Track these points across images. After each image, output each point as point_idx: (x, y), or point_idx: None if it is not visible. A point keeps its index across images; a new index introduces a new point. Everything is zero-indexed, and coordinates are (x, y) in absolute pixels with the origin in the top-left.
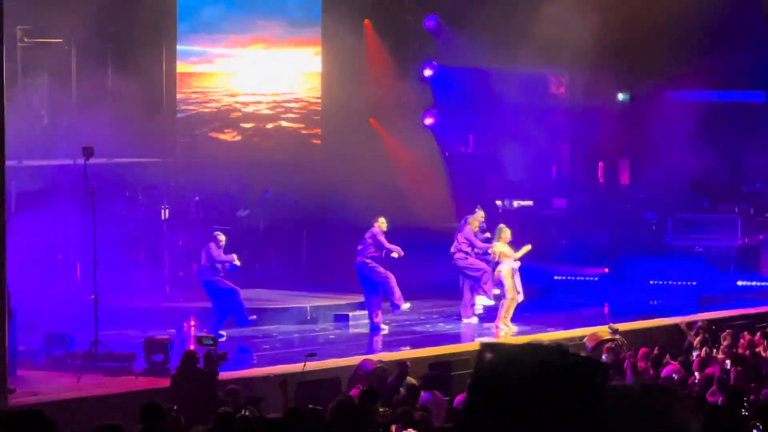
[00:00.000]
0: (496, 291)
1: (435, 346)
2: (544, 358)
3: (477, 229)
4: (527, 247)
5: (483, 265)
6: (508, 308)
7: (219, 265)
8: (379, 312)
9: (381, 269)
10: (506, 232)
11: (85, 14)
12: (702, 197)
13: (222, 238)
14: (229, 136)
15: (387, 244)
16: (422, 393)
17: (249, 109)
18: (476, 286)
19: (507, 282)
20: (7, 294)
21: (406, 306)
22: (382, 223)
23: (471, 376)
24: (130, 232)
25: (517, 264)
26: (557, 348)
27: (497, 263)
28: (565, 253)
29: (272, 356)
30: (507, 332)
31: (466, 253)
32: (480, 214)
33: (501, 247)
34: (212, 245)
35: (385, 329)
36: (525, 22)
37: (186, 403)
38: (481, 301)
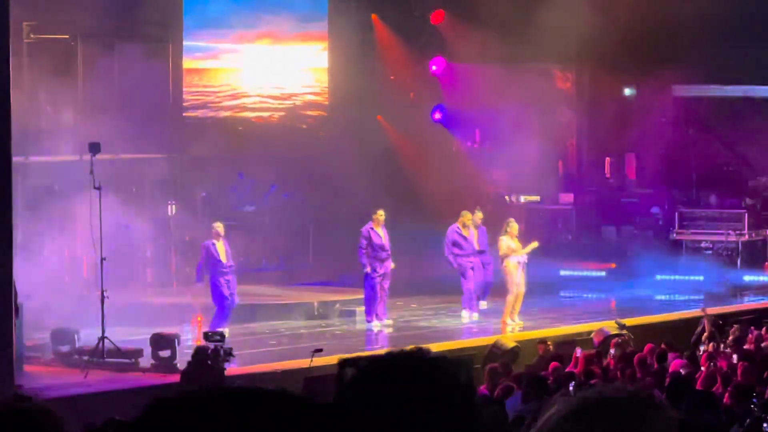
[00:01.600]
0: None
1: (442, 341)
2: (403, 364)
3: (462, 223)
4: (534, 244)
5: (470, 274)
6: (511, 303)
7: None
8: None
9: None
10: (513, 227)
11: (91, 10)
12: (709, 192)
13: (220, 229)
14: (235, 131)
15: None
16: None
17: (255, 104)
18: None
19: (511, 276)
20: (15, 290)
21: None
22: (379, 216)
23: (333, 394)
24: (137, 228)
25: (524, 258)
26: (417, 351)
27: (503, 258)
28: (572, 248)
29: (279, 352)
30: (514, 327)
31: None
32: (477, 215)
33: (507, 241)
34: (210, 245)
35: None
36: (531, 16)
37: None
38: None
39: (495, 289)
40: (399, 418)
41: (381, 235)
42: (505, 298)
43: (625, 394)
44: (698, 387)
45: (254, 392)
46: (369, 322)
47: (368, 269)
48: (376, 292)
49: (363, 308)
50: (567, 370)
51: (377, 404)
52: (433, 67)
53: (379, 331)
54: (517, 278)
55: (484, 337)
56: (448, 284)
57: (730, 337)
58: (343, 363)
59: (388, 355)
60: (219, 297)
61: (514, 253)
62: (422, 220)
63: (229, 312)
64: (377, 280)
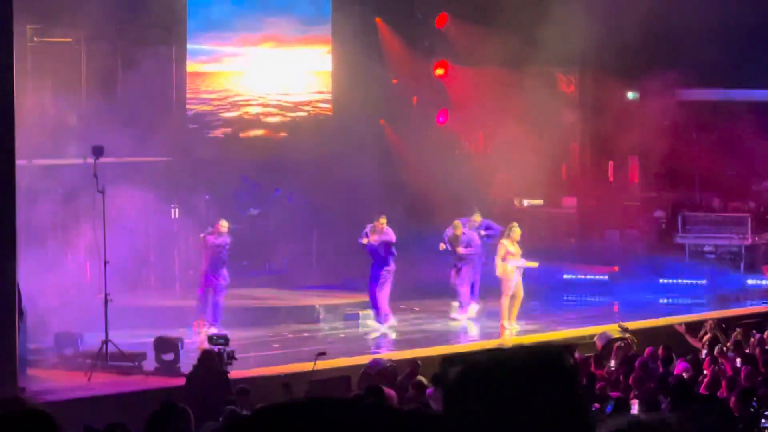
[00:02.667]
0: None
1: (445, 344)
2: (509, 359)
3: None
4: (533, 264)
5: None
6: (508, 307)
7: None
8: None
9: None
10: (516, 231)
11: (95, 13)
12: (712, 196)
13: (224, 227)
14: (238, 135)
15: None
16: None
17: (259, 107)
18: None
19: (508, 281)
20: (18, 293)
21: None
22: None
23: (442, 393)
24: (140, 231)
25: (522, 263)
26: (520, 348)
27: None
28: (575, 251)
29: (283, 355)
30: (511, 331)
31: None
32: (475, 217)
33: (508, 245)
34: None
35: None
36: (535, 20)
37: (200, 401)
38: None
39: (492, 291)
40: (511, 414)
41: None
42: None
43: (657, 423)
44: (702, 391)
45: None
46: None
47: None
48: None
49: (366, 311)
50: None
51: (487, 401)
52: (438, 71)
53: (383, 334)
54: (513, 283)
55: (487, 341)
56: (451, 287)
57: (732, 341)
58: (447, 362)
59: (492, 350)
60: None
61: (513, 258)
62: (425, 224)
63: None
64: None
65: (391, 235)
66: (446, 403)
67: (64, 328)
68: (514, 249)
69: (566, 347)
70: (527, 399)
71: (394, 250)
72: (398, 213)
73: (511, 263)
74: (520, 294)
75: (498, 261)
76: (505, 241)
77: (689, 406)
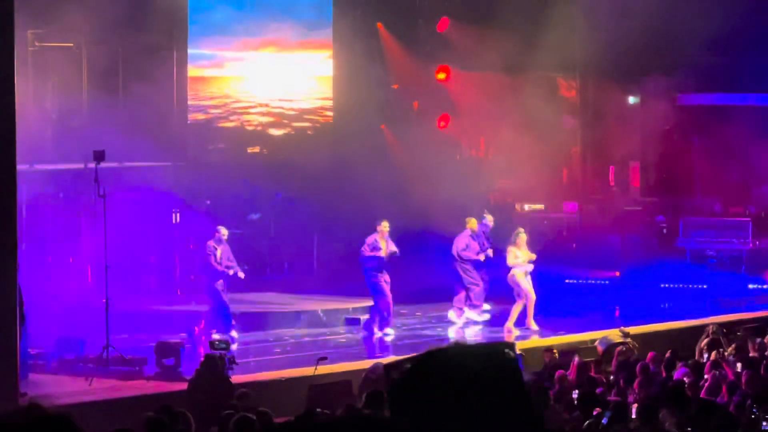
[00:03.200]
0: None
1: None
2: (451, 359)
3: (475, 229)
4: (532, 256)
5: (477, 277)
6: (517, 311)
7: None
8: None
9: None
10: (522, 237)
11: (96, 18)
12: (713, 200)
13: (224, 232)
14: (240, 139)
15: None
16: None
17: (260, 112)
18: (467, 297)
19: (519, 286)
20: (20, 298)
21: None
22: (384, 227)
23: (387, 398)
24: (141, 236)
25: (530, 267)
26: (462, 347)
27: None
28: (577, 256)
29: (284, 360)
30: (532, 333)
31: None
32: (488, 218)
33: (513, 251)
34: (210, 246)
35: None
36: (536, 25)
37: (203, 406)
38: (470, 316)
39: (501, 296)
40: (456, 411)
41: (383, 247)
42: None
43: None
44: (702, 395)
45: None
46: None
47: (379, 282)
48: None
49: (367, 316)
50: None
51: (427, 402)
52: (439, 75)
53: (380, 338)
54: (524, 287)
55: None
56: (450, 292)
57: (733, 346)
58: (388, 368)
59: (429, 353)
60: (219, 300)
61: (519, 263)
62: (426, 228)
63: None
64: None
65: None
66: (391, 408)
67: (66, 332)
68: (522, 254)
69: (506, 344)
70: (471, 396)
71: None
72: (399, 218)
73: (520, 268)
74: (532, 296)
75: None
76: (511, 248)
77: (686, 411)
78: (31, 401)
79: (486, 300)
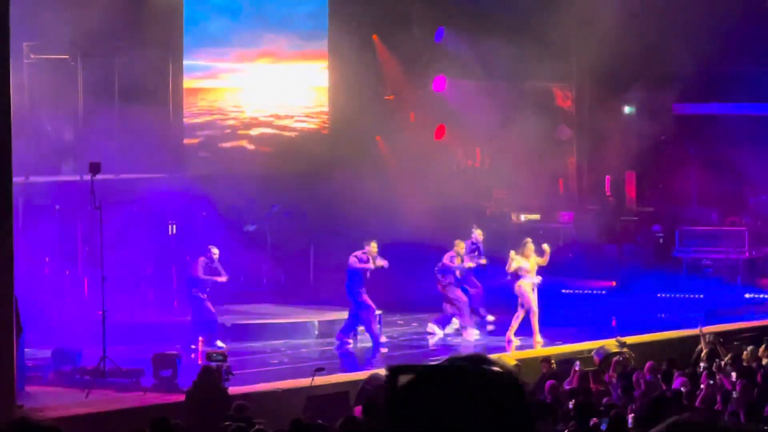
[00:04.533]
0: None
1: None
2: (462, 374)
3: (461, 253)
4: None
5: (461, 295)
6: (519, 322)
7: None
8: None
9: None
10: (530, 248)
11: (91, 30)
12: (709, 210)
13: (215, 252)
14: (236, 150)
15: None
16: None
17: (256, 123)
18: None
19: (525, 296)
20: (16, 310)
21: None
22: (372, 248)
23: (385, 400)
24: (138, 248)
25: (538, 279)
26: (475, 358)
27: (516, 277)
28: (573, 266)
29: (280, 371)
30: (541, 344)
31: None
32: (477, 232)
33: (520, 261)
34: (201, 261)
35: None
36: (531, 35)
37: (200, 418)
38: (433, 329)
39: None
40: (454, 424)
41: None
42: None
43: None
44: (698, 405)
45: None
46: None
47: (364, 297)
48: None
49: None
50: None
51: (430, 410)
52: (435, 86)
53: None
54: (529, 299)
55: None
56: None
57: (729, 355)
58: (395, 370)
59: (446, 362)
60: (209, 314)
61: (529, 274)
62: (421, 239)
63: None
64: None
65: None
66: (390, 411)
67: (62, 344)
68: (529, 264)
69: (517, 376)
70: (475, 411)
71: None
72: (394, 229)
73: (527, 279)
74: (535, 309)
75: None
76: (516, 257)
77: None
78: (22, 414)
79: (486, 310)
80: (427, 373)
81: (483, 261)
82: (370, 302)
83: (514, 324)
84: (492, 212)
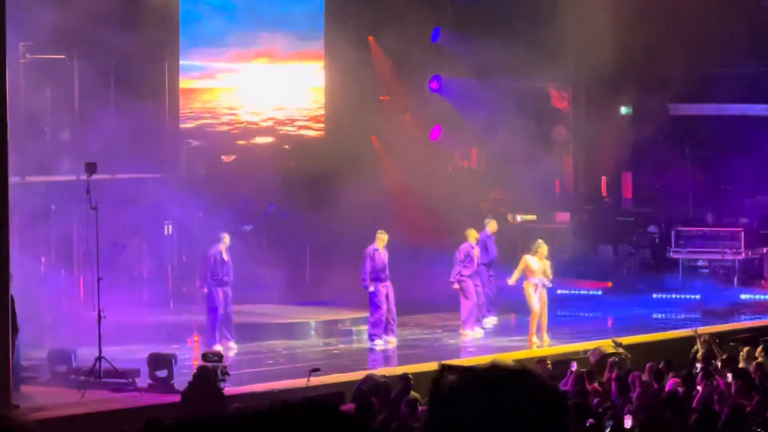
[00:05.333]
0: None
1: (439, 360)
2: (509, 382)
3: (473, 242)
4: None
5: (472, 292)
6: (535, 323)
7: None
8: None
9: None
10: (543, 248)
11: (87, 30)
12: (705, 210)
13: (226, 240)
14: (232, 151)
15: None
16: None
17: (252, 124)
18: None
19: (530, 299)
20: (13, 310)
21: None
22: (382, 237)
23: (429, 397)
24: (134, 248)
25: (544, 281)
26: (522, 371)
27: (521, 278)
28: (569, 267)
29: (277, 371)
30: (542, 345)
31: (460, 274)
32: (492, 224)
33: (528, 260)
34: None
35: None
36: (528, 36)
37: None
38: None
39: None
40: (497, 425)
41: (382, 256)
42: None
43: None
44: (694, 406)
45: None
46: (374, 339)
47: (372, 288)
48: (383, 312)
49: (362, 327)
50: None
51: (475, 413)
52: (431, 86)
53: (383, 349)
54: (531, 301)
55: (483, 356)
56: (445, 303)
57: (725, 356)
58: (444, 368)
59: (492, 367)
60: (213, 307)
61: (534, 275)
62: (420, 239)
63: (218, 323)
64: (383, 299)
65: None
66: (434, 410)
67: (58, 344)
68: (538, 266)
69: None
70: (516, 420)
71: None
72: (391, 229)
73: (532, 280)
74: (536, 311)
75: (516, 274)
76: (527, 257)
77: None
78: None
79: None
80: (475, 377)
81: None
82: (376, 294)
83: (532, 327)
84: (488, 213)
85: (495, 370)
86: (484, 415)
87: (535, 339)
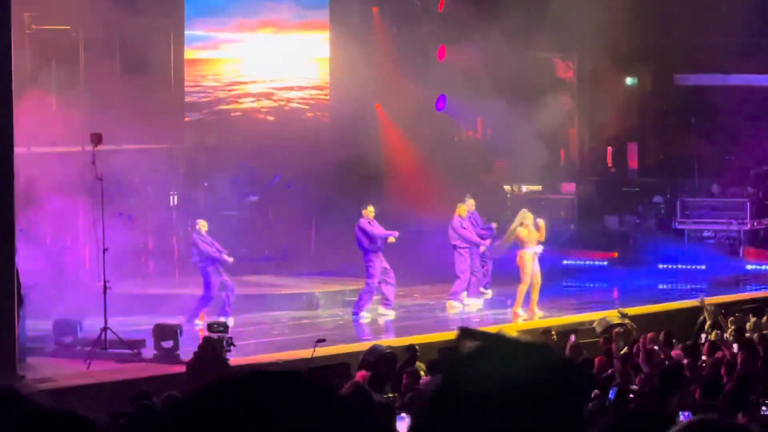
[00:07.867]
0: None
1: (444, 331)
2: (527, 356)
3: (465, 215)
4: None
5: (466, 267)
6: (523, 293)
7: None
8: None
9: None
10: (528, 217)
11: (92, 0)
12: (711, 181)
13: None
14: (237, 121)
15: (381, 232)
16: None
17: (257, 94)
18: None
19: (526, 268)
20: (18, 281)
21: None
22: (369, 212)
23: (450, 360)
24: (139, 219)
25: (539, 248)
26: (540, 347)
27: (515, 248)
28: (574, 237)
29: (282, 342)
30: (533, 317)
31: (455, 246)
32: (469, 202)
33: (520, 231)
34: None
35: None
36: (533, 5)
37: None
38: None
39: (503, 278)
40: (512, 395)
41: (374, 227)
42: (517, 288)
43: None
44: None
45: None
46: (357, 314)
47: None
48: (375, 283)
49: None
50: None
51: (493, 379)
52: (437, 55)
53: (385, 320)
54: (531, 269)
55: (486, 327)
56: (449, 275)
57: (731, 327)
58: (465, 333)
59: (512, 340)
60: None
61: (528, 244)
62: (423, 210)
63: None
64: (378, 270)
65: None
66: (450, 374)
67: (63, 315)
68: (527, 235)
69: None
70: (534, 390)
71: None
72: (395, 199)
73: (529, 250)
74: (538, 281)
75: (501, 244)
76: (519, 229)
77: (679, 392)
78: (12, 385)
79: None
80: (495, 343)
81: (494, 225)
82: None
83: (519, 297)
84: (491, 183)
85: (514, 339)
86: (502, 381)
87: (520, 311)
